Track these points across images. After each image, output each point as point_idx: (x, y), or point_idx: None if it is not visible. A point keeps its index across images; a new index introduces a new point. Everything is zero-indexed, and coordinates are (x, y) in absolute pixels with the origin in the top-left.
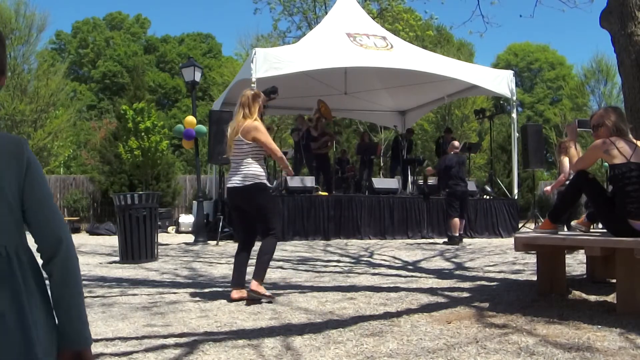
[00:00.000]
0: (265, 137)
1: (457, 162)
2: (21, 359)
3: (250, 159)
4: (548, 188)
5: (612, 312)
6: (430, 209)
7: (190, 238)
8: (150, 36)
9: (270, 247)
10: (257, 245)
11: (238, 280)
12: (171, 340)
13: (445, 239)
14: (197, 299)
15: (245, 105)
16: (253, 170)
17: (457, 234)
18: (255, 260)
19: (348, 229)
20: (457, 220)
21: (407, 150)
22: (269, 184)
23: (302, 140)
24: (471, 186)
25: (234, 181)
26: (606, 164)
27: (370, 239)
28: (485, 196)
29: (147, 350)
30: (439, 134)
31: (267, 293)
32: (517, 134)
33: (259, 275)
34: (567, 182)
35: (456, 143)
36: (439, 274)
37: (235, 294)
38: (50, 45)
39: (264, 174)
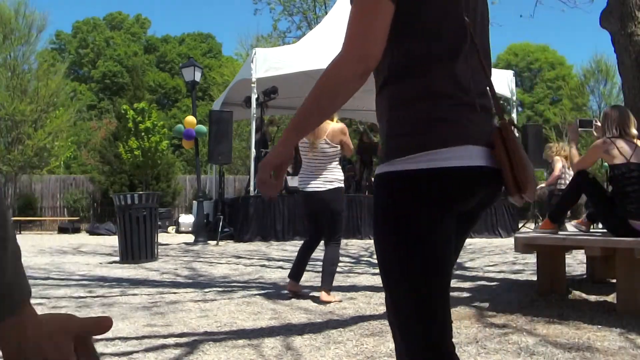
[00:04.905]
0: (350, 140)
1: None
2: None
3: (334, 162)
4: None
5: (612, 312)
6: None
7: (190, 238)
8: (151, 36)
9: (336, 256)
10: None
11: (297, 273)
12: (171, 340)
13: None
14: (197, 299)
15: None
16: (336, 174)
17: None
18: (322, 269)
19: (348, 229)
20: None
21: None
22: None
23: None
24: None
25: (315, 185)
26: (606, 164)
27: (370, 239)
28: None
29: (147, 350)
30: None
31: (337, 299)
32: (517, 134)
33: (328, 285)
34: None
35: None
36: None
37: (291, 286)
38: (50, 45)
39: (343, 178)
